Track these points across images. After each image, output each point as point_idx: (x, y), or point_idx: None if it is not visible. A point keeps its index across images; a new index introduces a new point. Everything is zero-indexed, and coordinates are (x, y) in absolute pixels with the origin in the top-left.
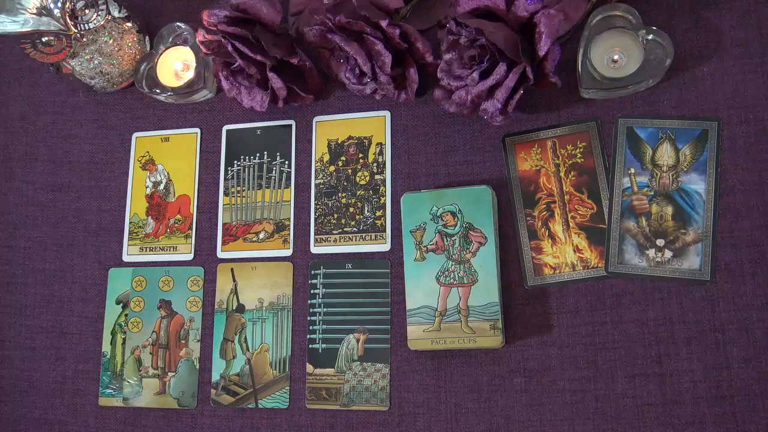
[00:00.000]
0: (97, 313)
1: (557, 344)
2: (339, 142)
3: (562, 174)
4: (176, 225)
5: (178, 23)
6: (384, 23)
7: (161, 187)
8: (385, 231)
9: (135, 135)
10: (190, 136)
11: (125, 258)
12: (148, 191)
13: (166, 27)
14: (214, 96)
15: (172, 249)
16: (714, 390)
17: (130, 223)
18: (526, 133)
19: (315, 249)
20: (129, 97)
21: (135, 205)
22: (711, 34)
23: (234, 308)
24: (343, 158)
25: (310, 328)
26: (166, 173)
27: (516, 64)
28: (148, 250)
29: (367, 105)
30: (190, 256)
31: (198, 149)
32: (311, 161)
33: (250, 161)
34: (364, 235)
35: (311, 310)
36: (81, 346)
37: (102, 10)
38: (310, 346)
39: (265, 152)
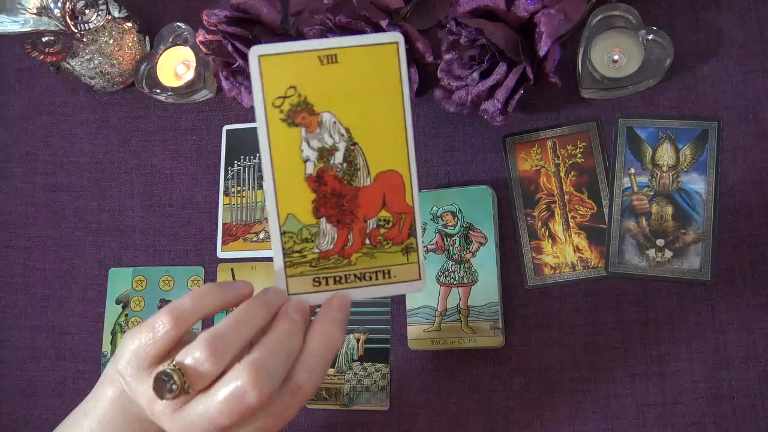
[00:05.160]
0: (97, 313)
1: (557, 344)
2: None
3: (562, 174)
4: None
5: (178, 23)
6: (384, 23)
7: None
8: None
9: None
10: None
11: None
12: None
13: (166, 27)
14: (214, 96)
15: None
16: (714, 390)
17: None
18: (526, 133)
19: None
20: (129, 97)
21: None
22: (711, 34)
23: (234, 308)
24: None
25: None
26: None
27: (516, 64)
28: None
29: None
30: None
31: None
32: None
33: (250, 161)
34: None
35: None
36: (81, 346)
37: (102, 10)
38: None
39: None
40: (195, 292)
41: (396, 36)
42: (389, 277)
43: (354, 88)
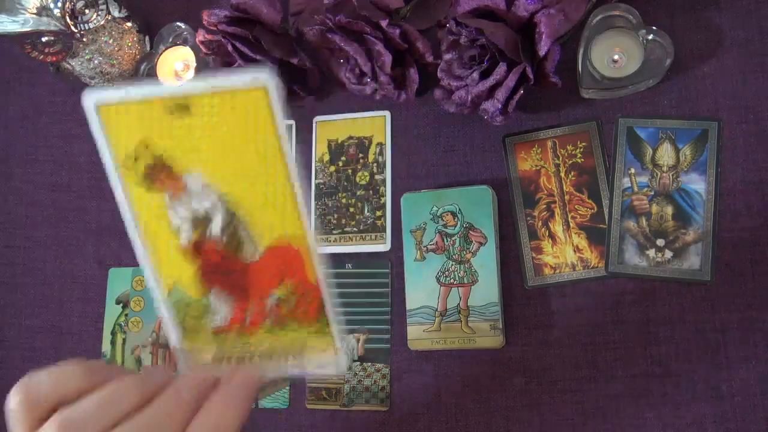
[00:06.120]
0: (97, 313)
1: (557, 344)
2: (339, 142)
3: (562, 174)
4: None
5: (178, 23)
6: (384, 23)
7: None
8: (385, 231)
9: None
10: None
11: None
12: None
13: (166, 27)
14: None
15: None
16: (714, 390)
17: None
18: (526, 133)
19: None
20: None
21: None
22: (711, 34)
23: None
24: (343, 158)
25: None
26: None
27: (516, 64)
28: None
29: (367, 105)
30: None
31: None
32: (311, 161)
33: None
34: (364, 235)
35: None
36: (81, 346)
37: (102, 10)
38: None
39: None
40: (55, 369)
41: (263, 79)
42: (301, 356)
43: (218, 145)
